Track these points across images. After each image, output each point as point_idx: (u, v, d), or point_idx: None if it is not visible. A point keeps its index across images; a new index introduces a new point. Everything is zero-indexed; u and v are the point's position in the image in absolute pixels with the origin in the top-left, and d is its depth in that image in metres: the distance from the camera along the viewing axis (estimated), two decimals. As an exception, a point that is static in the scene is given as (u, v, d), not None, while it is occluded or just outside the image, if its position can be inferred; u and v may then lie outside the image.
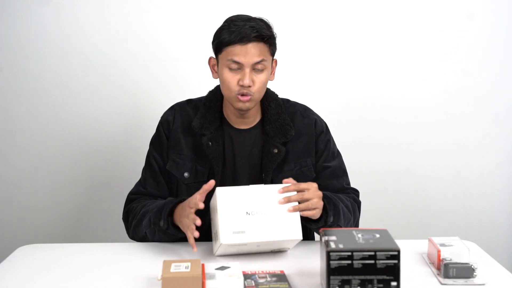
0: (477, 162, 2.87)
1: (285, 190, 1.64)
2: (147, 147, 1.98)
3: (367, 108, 2.83)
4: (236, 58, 1.78)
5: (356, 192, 1.98)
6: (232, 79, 1.80)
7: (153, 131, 1.98)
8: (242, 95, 1.80)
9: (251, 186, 1.65)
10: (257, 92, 1.81)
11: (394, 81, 2.82)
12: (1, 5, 2.71)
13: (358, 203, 1.94)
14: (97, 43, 2.73)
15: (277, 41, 1.86)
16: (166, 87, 2.76)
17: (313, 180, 1.87)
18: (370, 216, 2.82)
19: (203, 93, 1.98)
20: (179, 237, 1.76)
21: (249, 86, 1.79)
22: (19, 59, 2.74)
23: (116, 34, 2.73)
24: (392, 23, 2.78)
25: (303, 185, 1.66)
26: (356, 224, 1.90)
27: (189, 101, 1.99)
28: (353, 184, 2.02)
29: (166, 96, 2.72)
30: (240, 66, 1.79)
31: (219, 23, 1.86)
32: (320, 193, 1.68)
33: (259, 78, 1.80)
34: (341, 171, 1.97)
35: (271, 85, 1.98)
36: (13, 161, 2.80)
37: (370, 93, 2.82)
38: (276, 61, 1.90)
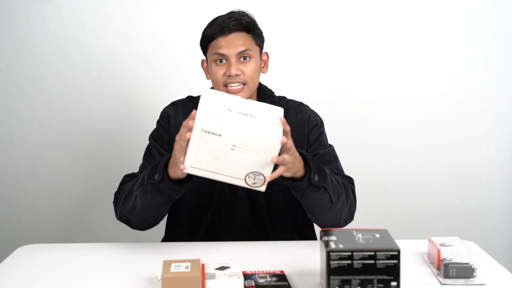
0: (477, 162, 2.87)
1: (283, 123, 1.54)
2: (147, 147, 1.98)
3: (367, 108, 2.82)
4: (220, 51, 1.81)
5: (350, 179, 1.88)
6: (219, 72, 1.82)
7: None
8: (230, 86, 1.81)
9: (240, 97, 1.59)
10: (249, 79, 1.82)
11: (394, 81, 2.82)
12: (1, 5, 2.71)
13: (352, 186, 1.85)
14: (97, 43, 2.73)
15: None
16: (167, 87, 2.76)
17: None
18: (370, 216, 2.83)
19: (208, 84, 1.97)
20: (172, 198, 1.67)
21: (237, 75, 1.80)
22: (19, 59, 2.74)
23: (116, 33, 2.73)
24: (391, 23, 2.78)
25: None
26: (350, 207, 1.80)
27: (189, 98, 2.00)
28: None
29: (167, 96, 2.71)
30: (225, 58, 1.81)
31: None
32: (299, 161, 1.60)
33: (248, 66, 1.82)
34: (332, 157, 1.90)
35: (270, 84, 1.98)
36: (13, 161, 2.80)
37: (370, 93, 2.82)
38: (267, 54, 1.93)
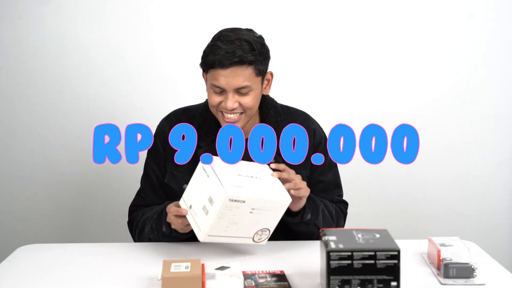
0: (477, 162, 2.87)
1: (276, 167, 1.69)
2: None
3: (367, 108, 2.82)
4: (217, 83, 1.73)
5: (345, 204, 1.98)
6: (215, 99, 1.76)
7: (153, 131, 1.97)
8: (227, 116, 1.76)
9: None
10: (247, 109, 1.77)
11: (393, 82, 2.81)
12: (1, 5, 2.71)
13: (344, 214, 1.96)
14: (96, 43, 2.73)
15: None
16: (167, 87, 2.75)
17: None
18: (371, 216, 2.83)
19: (202, 92, 1.95)
20: (186, 238, 1.75)
21: (233, 109, 1.75)
22: (19, 59, 2.74)
23: (116, 34, 2.73)
24: (391, 23, 2.78)
25: (291, 171, 1.71)
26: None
27: (185, 110, 1.95)
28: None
29: (166, 96, 2.74)
30: (223, 89, 1.74)
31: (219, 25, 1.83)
32: (305, 183, 1.72)
33: (245, 99, 1.75)
34: (334, 184, 1.95)
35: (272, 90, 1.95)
36: (13, 161, 2.80)
37: (369, 93, 2.81)
38: (271, 73, 1.84)
